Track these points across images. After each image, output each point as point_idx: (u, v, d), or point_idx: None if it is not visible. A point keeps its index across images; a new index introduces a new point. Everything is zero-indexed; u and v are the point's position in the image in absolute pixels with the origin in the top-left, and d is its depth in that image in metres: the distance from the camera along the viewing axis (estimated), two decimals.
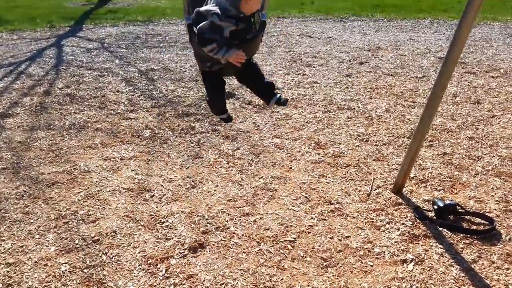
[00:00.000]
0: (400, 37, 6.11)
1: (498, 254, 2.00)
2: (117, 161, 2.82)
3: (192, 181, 2.60)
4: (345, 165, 2.77)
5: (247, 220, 2.26)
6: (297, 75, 4.50)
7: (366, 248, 2.04)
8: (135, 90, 4.09)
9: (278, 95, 2.12)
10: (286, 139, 3.12)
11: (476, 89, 4.06)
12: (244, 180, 2.61)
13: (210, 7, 1.70)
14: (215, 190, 2.52)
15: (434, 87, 2.16)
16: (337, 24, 7.11)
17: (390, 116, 3.50)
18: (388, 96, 3.94)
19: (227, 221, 2.24)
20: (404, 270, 1.90)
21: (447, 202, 2.27)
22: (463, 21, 1.90)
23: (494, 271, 1.91)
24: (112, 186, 2.53)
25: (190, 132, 3.24)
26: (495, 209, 2.31)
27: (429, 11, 8.19)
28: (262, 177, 2.64)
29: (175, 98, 3.90)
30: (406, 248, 2.03)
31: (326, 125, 3.34)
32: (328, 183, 2.57)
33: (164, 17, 7.71)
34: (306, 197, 2.44)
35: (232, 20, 1.70)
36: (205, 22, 1.68)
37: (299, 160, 2.83)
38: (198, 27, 1.69)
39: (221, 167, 2.77)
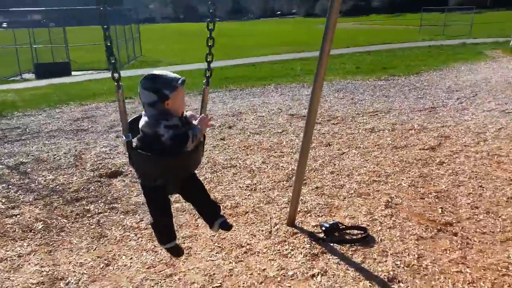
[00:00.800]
0: (255, 102, 7.06)
1: (376, 252, 2.58)
2: (14, 259, 2.64)
3: (105, 260, 2.62)
4: (243, 212, 3.15)
5: (172, 280, 2.40)
6: None
7: (282, 274, 2.39)
8: (10, 186, 3.83)
9: (223, 219, 2.05)
10: (185, 202, 3.36)
11: (324, 135, 5.00)
12: (157, 246, 2.74)
13: (150, 122, 1.72)
14: (131, 263, 2.59)
15: (304, 139, 2.74)
16: (198, 97, 7.79)
17: (267, 166, 4.08)
18: (260, 151, 4.55)
19: (153, 286, 2.34)
20: (315, 283, 2.31)
21: (330, 223, 2.81)
22: (316, 84, 2.56)
23: (377, 264, 2.46)
24: (18, 284, 2.38)
25: (86, 216, 3.21)
26: (365, 221, 2.95)
27: (270, 78, 9.59)
28: None
29: (58, 187, 3.79)
30: (311, 266, 2.46)
31: (217, 183, 3.71)
32: (235, 230, 2.89)
33: (17, 109, 7.28)
34: (219, 246, 2.71)
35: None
36: (167, 134, 1.69)
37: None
38: (170, 139, 1.70)
39: (130, 240, 2.84)
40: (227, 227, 2.06)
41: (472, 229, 2.82)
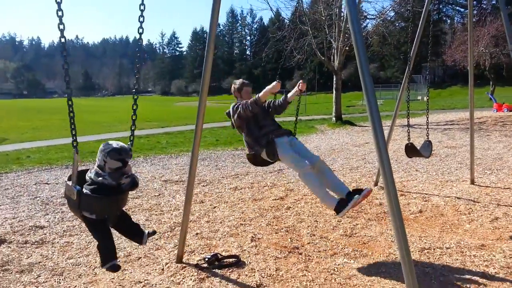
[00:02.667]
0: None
1: (247, 271, 3.43)
2: None
3: None
4: (137, 258, 3.67)
5: None
6: (57, 213, 5.02)
7: None
8: None
9: (147, 231, 2.84)
10: (79, 257, 3.70)
11: (197, 194, 5.83)
12: None
13: (114, 176, 2.44)
14: None
15: (186, 197, 3.59)
16: (65, 170, 7.85)
17: (151, 222, 4.66)
18: (142, 211, 5.10)
19: None
20: None
21: (211, 254, 3.59)
22: (193, 155, 3.46)
23: (248, 278, 3.30)
24: None
25: None
26: (237, 252, 3.80)
27: (138, 151, 10.15)
28: (75, 286, 3.17)
29: None
30: (200, 286, 3.16)
31: None
32: (132, 272, 3.40)
33: None
34: (120, 285, 3.19)
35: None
36: (127, 182, 2.46)
37: (99, 268, 3.51)
38: (129, 184, 2.46)
39: None
40: (153, 233, 2.89)
41: (312, 249, 3.91)
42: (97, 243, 2.57)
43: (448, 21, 63.10)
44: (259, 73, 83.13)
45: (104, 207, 2.47)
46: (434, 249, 3.82)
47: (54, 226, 4.59)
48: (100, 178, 2.42)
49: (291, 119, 18.45)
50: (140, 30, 2.64)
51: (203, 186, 6.41)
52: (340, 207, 3.50)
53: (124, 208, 2.75)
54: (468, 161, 7.89)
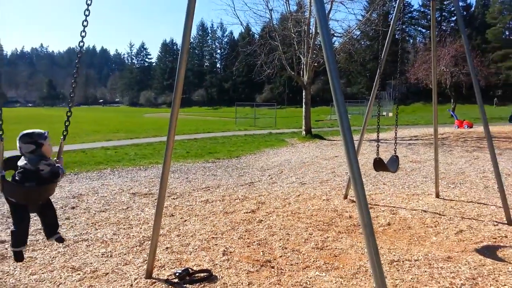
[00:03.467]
0: (94, 184, 7.29)
1: (219, 285, 3.37)
2: None
3: None
4: (104, 274, 3.53)
5: None
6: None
7: None
8: None
9: (59, 235, 2.86)
10: (43, 273, 3.52)
11: (167, 207, 5.71)
12: None
13: (33, 161, 2.51)
14: None
15: (157, 210, 3.50)
16: None
17: (119, 237, 4.51)
18: (109, 225, 4.93)
19: None
20: None
21: (183, 269, 3.50)
22: (164, 167, 3.41)
23: None
24: None
25: None
26: (209, 266, 3.73)
27: (105, 163, 9.87)
28: None
29: None
30: None
31: (72, 255, 3.95)
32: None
33: None
34: None
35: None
36: (46, 169, 2.51)
37: (65, 283, 3.35)
38: (49, 172, 2.52)
39: None
40: (62, 240, 2.88)
41: (284, 262, 3.90)
42: (13, 227, 2.62)
43: (411, 40, 65.98)
44: (229, 86, 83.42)
45: (24, 194, 2.54)
46: (403, 261, 3.89)
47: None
48: (23, 163, 2.52)
49: (260, 132, 18.51)
50: (83, 34, 2.88)
51: (173, 199, 6.30)
52: None
53: (49, 200, 2.80)
54: (433, 175, 8.18)
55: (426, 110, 44.62)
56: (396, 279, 3.50)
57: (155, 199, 6.05)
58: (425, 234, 4.71)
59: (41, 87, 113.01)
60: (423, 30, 63.98)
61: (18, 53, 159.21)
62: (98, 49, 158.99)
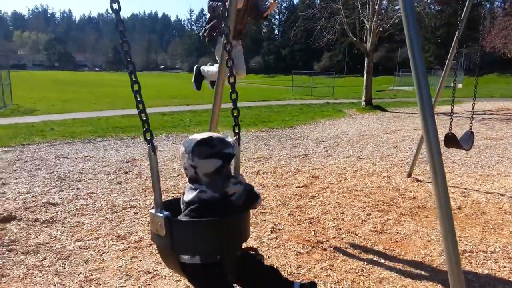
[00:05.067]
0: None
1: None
2: None
3: None
4: (148, 245, 3.42)
5: None
6: (72, 190, 4.85)
7: None
8: None
9: (299, 282, 1.77)
10: (88, 240, 3.49)
11: None
12: (65, 279, 2.85)
13: (214, 185, 1.62)
14: None
15: None
16: (87, 145, 7.73)
17: None
18: None
19: None
20: None
21: None
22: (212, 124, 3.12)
23: None
24: None
25: None
26: (255, 244, 3.49)
27: (161, 128, 9.96)
28: (80, 273, 2.95)
29: None
30: None
31: (119, 222, 3.90)
32: (141, 261, 3.15)
33: None
34: (127, 275, 2.94)
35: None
36: (238, 192, 1.62)
37: (108, 253, 3.28)
38: (241, 196, 1.63)
39: (35, 276, 2.89)
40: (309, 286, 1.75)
41: (337, 245, 3.56)
42: None
43: (488, 5, 59.76)
44: (287, 53, 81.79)
45: (211, 237, 1.54)
46: (476, 252, 3.40)
47: (67, 204, 4.40)
48: (194, 194, 1.58)
49: (317, 102, 17.97)
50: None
51: None
52: None
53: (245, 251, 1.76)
54: (510, 154, 7.28)
55: (501, 82, 40.73)
56: (468, 274, 3.04)
57: None
58: (503, 221, 4.12)
59: (106, 52, 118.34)
60: None
61: (85, 18, 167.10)
62: (160, 15, 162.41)
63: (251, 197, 1.67)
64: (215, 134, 1.69)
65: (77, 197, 4.62)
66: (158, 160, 6.48)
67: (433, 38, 51.03)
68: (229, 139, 1.68)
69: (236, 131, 1.91)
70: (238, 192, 1.59)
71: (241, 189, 1.61)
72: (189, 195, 1.62)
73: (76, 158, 6.54)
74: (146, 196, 4.70)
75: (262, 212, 4.25)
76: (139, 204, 4.43)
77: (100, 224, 3.85)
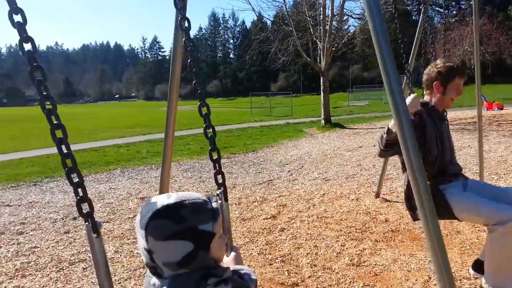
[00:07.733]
0: (101, 189, 6.76)
1: None
2: None
3: None
4: None
5: None
6: (12, 246, 4.24)
7: None
8: None
9: None
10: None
11: None
12: None
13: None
14: None
15: None
16: (33, 188, 7.04)
17: (120, 255, 3.93)
18: (111, 239, 4.36)
19: None
20: None
21: None
22: (164, 165, 2.77)
23: None
24: None
25: None
26: None
27: (116, 163, 9.37)
28: None
29: None
30: None
31: (65, 282, 3.38)
32: None
33: None
34: None
35: None
36: None
37: None
38: None
39: None
40: None
41: (314, 285, 3.25)
42: None
43: (428, 21, 63.63)
44: (244, 76, 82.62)
45: None
46: (460, 280, 3.19)
47: (6, 263, 3.82)
48: None
49: (277, 122, 17.87)
50: None
51: None
52: None
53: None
54: (471, 165, 7.38)
55: None
56: None
57: None
58: (478, 240, 3.98)
59: (57, 84, 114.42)
60: (441, 10, 61.55)
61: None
62: (112, 44, 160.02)
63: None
64: (189, 195, 1.04)
65: (17, 254, 4.04)
66: (111, 201, 6.01)
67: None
68: (213, 204, 1.05)
69: (220, 181, 1.48)
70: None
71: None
72: None
73: (19, 206, 5.88)
74: None
75: None
76: (89, 256, 3.92)
77: (43, 287, 3.31)
